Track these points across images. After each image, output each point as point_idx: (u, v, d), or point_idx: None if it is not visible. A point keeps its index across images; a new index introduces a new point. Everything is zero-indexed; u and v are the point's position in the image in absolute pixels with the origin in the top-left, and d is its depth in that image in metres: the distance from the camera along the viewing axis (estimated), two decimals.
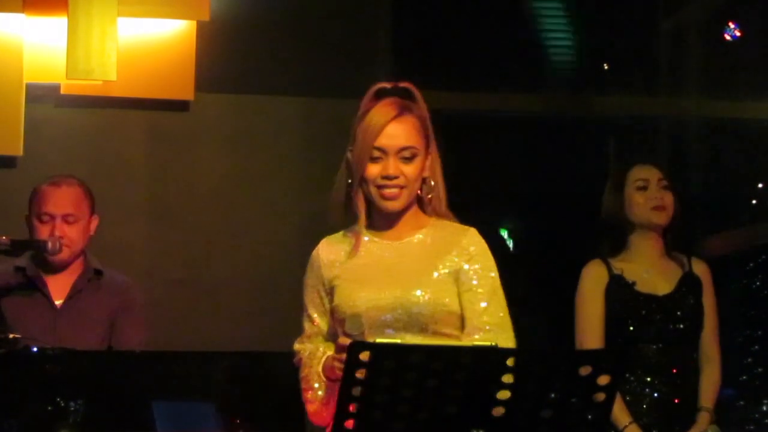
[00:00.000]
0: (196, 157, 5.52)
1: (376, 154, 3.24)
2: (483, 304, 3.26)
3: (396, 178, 3.25)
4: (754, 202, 6.44)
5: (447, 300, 3.24)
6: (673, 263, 4.60)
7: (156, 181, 5.49)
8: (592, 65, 6.42)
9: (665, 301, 4.51)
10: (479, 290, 3.27)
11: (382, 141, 3.25)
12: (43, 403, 3.81)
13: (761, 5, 6.17)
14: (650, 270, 4.56)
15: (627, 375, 4.37)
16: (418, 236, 3.31)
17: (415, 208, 3.33)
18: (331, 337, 3.31)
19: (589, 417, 2.77)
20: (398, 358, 2.67)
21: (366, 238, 3.32)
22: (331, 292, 3.30)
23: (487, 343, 2.94)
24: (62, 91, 5.36)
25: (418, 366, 2.67)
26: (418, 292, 3.22)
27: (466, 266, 3.27)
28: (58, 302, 4.54)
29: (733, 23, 5.98)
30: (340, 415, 2.70)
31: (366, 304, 3.21)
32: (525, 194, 6.59)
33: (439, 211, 3.35)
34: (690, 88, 6.51)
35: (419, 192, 3.32)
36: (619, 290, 4.52)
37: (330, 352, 3.24)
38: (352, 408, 2.70)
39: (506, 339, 3.24)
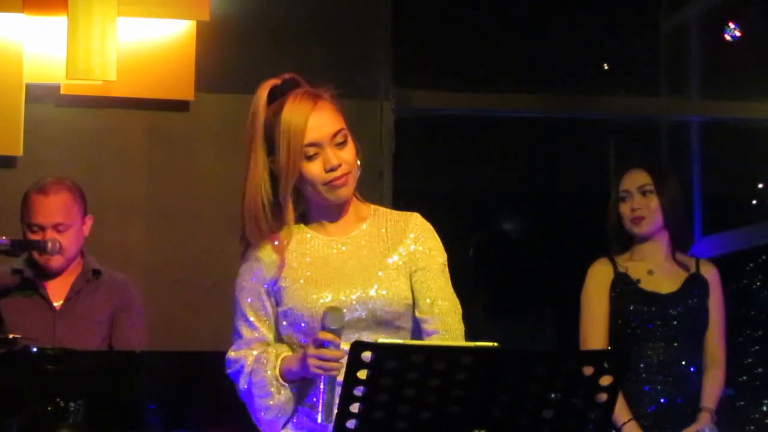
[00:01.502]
0: (196, 157, 5.52)
1: (311, 151, 3.08)
2: (434, 288, 3.15)
3: (339, 166, 3.08)
4: (754, 202, 6.44)
5: (406, 294, 3.13)
6: (680, 264, 4.60)
7: (156, 181, 5.49)
8: (592, 65, 6.42)
9: (668, 300, 4.51)
10: (429, 273, 3.15)
11: (312, 136, 3.08)
12: (43, 403, 3.81)
13: (761, 5, 6.17)
14: (656, 269, 4.57)
15: (629, 374, 4.38)
16: (363, 227, 3.18)
17: (353, 198, 3.19)
18: (279, 342, 3.14)
19: (591, 417, 2.77)
20: (400, 358, 2.67)
21: (308, 235, 3.16)
22: (276, 294, 3.13)
23: (490, 344, 2.94)
24: (62, 91, 5.35)
25: (419, 366, 2.67)
26: (376, 289, 3.10)
27: (412, 248, 3.16)
28: (56, 303, 4.53)
29: (733, 23, 5.98)
30: (342, 415, 2.70)
31: (324, 305, 3.04)
32: (525, 194, 6.59)
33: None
34: (690, 88, 6.51)
35: None
36: (623, 288, 4.53)
37: (285, 354, 3.07)
38: (353, 408, 2.70)
39: (458, 322, 3.15)
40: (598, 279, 4.56)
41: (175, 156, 5.51)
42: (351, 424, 2.71)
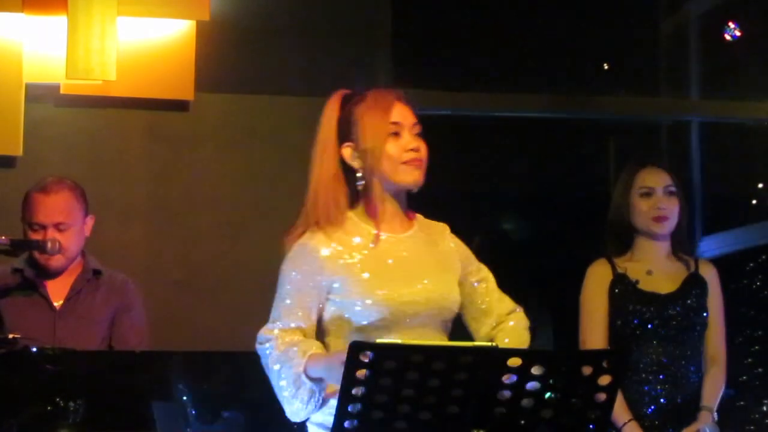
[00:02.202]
0: (196, 157, 5.52)
1: (394, 129, 3.22)
2: (495, 293, 3.38)
3: (418, 150, 3.23)
4: (754, 202, 6.44)
5: (458, 296, 3.27)
6: (679, 264, 4.60)
7: (156, 181, 5.49)
8: (592, 65, 6.41)
9: (667, 300, 4.51)
10: (486, 281, 3.37)
11: (396, 116, 3.24)
12: (43, 403, 3.81)
13: (761, 5, 6.17)
14: (654, 270, 4.57)
15: (629, 374, 4.38)
16: (415, 228, 3.30)
17: (404, 200, 3.31)
18: (318, 334, 3.18)
19: (591, 417, 2.77)
20: (399, 359, 2.67)
21: (372, 230, 3.23)
22: (330, 285, 3.17)
23: (488, 343, 2.94)
24: (62, 91, 5.35)
25: (419, 366, 2.67)
26: (440, 289, 3.22)
27: (459, 263, 3.32)
28: (57, 303, 4.53)
29: (733, 23, 5.97)
30: (341, 415, 2.70)
31: (401, 298, 3.13)
32: (525, 194, 6.59)
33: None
34: (690, 88, 6.51)
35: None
36: (622, 288, 4.53)
37: (314, 351, 3.08)
38: (352, 408, 2.70)
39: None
40: (597, 280, 4.56)
41: (175, 156, 5.51)
42: (350, 424, 2.71)
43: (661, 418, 4.44)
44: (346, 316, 3.14)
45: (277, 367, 3.12)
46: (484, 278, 3.37)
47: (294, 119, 5.59)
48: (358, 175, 3.23)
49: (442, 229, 3.38)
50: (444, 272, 3.26)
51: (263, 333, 3.21)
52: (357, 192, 3.25)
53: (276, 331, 3.16)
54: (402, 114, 3.25)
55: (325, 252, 3.17)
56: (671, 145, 6.57)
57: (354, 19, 5.67)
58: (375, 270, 3.17)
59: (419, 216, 3.36)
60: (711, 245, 6.21)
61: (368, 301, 3.12)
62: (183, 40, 5.41)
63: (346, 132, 3.27)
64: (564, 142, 6.45)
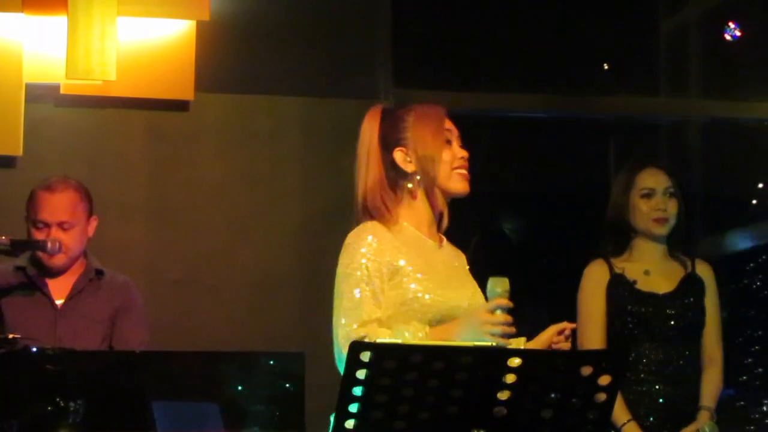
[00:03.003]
0: (196, 157, 5.52)
1: (447, 136, 3.41)
2: None
3: (467, 160, 3.45)
4: (754, 202, 6.44)
5: None
6: (676, 264, 4.60)
7: (156, 181, 5.48)
8: (592, 65, 6.41)
9: (665, 300, 4.52)
10: None
11: (448, 125, 3.43)
12: (43, 403, 3.81)
13: (761, 5, 6.17)
14: (652, 270, 4.57)
15: (627, 374, 4.38)
16: (445, 243, 3.50)
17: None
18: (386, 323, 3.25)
19: (590, 417, 2.77)
20: (399, 358, 2.67)
21: (421, 236, 3.42)
22: (393, 276, 3.28)
23: (488, 343, 2.94)
24: (62, 91, 5.35)
25: (419, 366, 2.67)
26: (477, 298, 3.37)
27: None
28: (58, 302, 4.54)
29: (733, 23, 5.97)
30: (341, 415, 2.70)
31: (463, 301, 3.32)
32: (525, 194, 6.59)
33: None
34: (690, 88, 6.51)
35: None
36: (619, 288, 4.53)
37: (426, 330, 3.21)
38: (352, 408, 2.70)
39: None
40: (594, 280, 4.57)
41: (175, 156, 5.51)
42: (350, 424, 2.71)
43: (659, 417, 4.44)
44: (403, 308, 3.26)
45: None
46: None
47: (294, 119, 5.59)
48: (417, 177, 3.38)
49: (461, 255, 3.56)
50: (471, 282, 3.46)
51: (360, 333, 3.18)
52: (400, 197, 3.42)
53: (370, 329, 3.19)
54: (450, 125, 3.44)
55: (387, 245, 3.30)
56: (671, 145, 6.57)
57: (354, 19, 5.67)
58: (425, 269, 3.31)
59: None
60: (711, 245, 6.21)
61: (426, 299, 3.25)
62: (183, 40, 5.41)
63: (395, 139, 3.41)
64: (564, 142, 6.45)
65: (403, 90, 5.71)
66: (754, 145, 6.35)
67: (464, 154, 3.43)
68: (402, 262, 3.29)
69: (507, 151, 6.46)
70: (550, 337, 3.22)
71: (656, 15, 6.53)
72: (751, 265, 6.31)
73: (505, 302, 3.14)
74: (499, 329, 3.10)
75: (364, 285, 3.24)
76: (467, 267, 3.54)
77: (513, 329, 3.12)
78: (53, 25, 5.26)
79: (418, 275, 3.28)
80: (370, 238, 3.30)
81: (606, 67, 6.47)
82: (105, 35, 5.18)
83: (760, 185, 6.41)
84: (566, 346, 3.19)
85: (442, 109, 3.47)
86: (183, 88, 5.42)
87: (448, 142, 3.41)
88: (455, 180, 3.42)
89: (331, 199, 5.21)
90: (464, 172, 3.43)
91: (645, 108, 6.35)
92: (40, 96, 5.35)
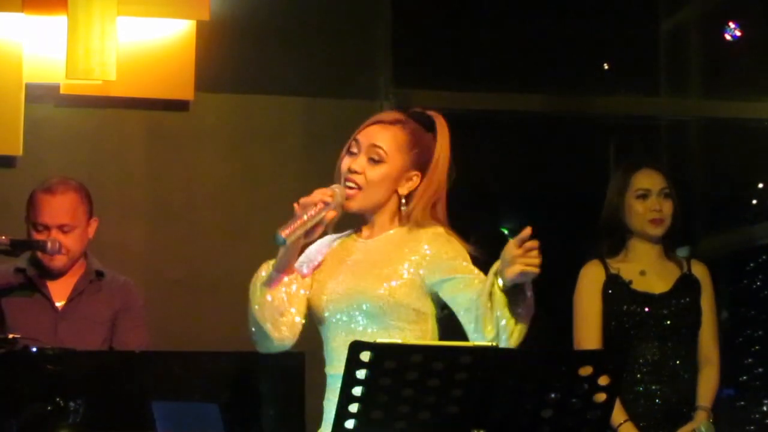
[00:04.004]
0: (196, 157, 5.52)
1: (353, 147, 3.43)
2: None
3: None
4: (754, 202, 6.44)
5: (402, 293, 3.26)
6: (672, 264, 4.61)
7: (156, 181, 5.49)
8: (592, 65, 6.41)
9: (661, 300, 4.52)
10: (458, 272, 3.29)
11: (367, 134, 3.43)
12: (43, 403, 3.81)
13: (761, 5, 6.16)
14: (647, 270, 4.57)
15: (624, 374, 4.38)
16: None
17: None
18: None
19: (590, 417, 2.77)
20: (399, 358, 2.67)
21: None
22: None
23: (488, 343, 2.94)
24: (62, 91, 5.35)
25: (418, 366, 2.67)
26: (371, 282, 3.27)
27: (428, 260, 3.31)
28: (59, 303, 4.54)
29: (733, 23, 5.97)
30: (341, 415, 2.70)
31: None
32: (525, 194, 6.59)
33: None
34: (690, 88, 6.51)
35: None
36: (615, 289, 4.53)
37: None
38: (352, 408, 2.70)
39: None
40: (590, 280, 4.57)
41: (175, 156, 5.51)
42: (350, 424, 2.71)
43: (656, 417, 4.45)
44: None
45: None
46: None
47: (294, 119, 5.59)
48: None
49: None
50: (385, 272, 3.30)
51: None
52: None
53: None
54: (367, 134, 3.42)
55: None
56: (671, 145, 6.57)
57: (354, 19, 5.67)
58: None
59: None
60: (711, 245, 6.21)
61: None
62: (183, 40, 5.41)
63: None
64: (564, 142, 6.45)
65: (403, 90, 5.72)
66: (754, 145, 6.35)
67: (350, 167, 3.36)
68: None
69: (507, 151, 6.46)
70: (513, 255, 3.01)
71: (656, 15, 6.53)
72: (751, 265, 6.31)
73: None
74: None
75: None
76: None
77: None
78: (53, 25, 5.26)
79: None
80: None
81: (606, 67, 6.47)
82: (105, 35, 5.18)
83: (760, 185, 6.41)
84: (536, 261, 3.01)
85: (378, 115, 3.45)
86: (183, 88, 5.42)
87: (350, 153, 3.39)
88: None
89: None
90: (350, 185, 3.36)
91: (645, 108, 6.35)
92: (40, 96, 5.35)
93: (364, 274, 3.28)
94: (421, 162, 3.37)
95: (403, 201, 3.36)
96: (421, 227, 3.33)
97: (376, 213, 3.37)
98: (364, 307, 3.23)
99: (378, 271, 3.26)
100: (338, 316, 3.27)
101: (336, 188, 3.33)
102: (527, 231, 3.02)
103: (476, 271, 3.26)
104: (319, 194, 3.30)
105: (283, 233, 3.24)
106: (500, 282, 3.05)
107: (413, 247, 3.29)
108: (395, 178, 3.34)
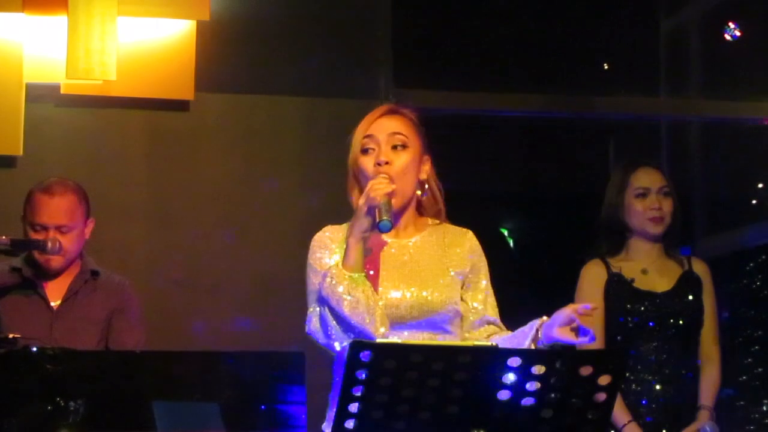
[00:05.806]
0: (196, 157, 5.52)
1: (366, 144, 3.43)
2: (479, 303, 3.41)
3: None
4: (754, 202, 6.44)
5: (456, 300, 3.33)
6: (672, 262, 4.61)
7: (156, 181, 5.48)
8: (592, 65, 6.41)
9: (664, 298, 4.52)
10: (479, 287, 3.42)
11: (374, 131, 3.43)
12: (43, 403, 3.81)
13: (761, 5, 6.17)
14: (649, 268, 4.57)
15: (626, 373, 4.38)
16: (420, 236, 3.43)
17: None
18: None
19: (590, 417, 2.77)
20: (399, 358, 2.67)
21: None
22: None
23: (488, 343, 2.94)
24: (62, 91, 5.35)
25: (418, 366, 2.67)
26: (431, 292, 3.29)
27: (469, 267, 3.40)
28: (54, 303, 4.53)
29: (733, 23, 5.97)
30: (341, 414, 2.70)
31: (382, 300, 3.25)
32: (525, 194, 6.59)
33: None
34: (690, 88, 6.51)
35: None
36: (617, 287, 4.53)
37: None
38: (352, 408, 2.70)
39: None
40: (592, 279, 4.57)
41: (175, 156, 5.51)
42: (350, 424, 2.71)
43: (659, 417, 4.44)
44: None
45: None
46: (474, 287, 3.45)
47: (294, 119, 5.59)
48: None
49: (462, 233, 3.50)
50: (438, 277, 3.35)
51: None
52: None
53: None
54: (375, 132, 3.43)
55: (337, 241, 3.41)
56: (671, 145, 6.57)
57: (354, 19, 5.67)
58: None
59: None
60: (711, 245, 6.21)
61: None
62: (183, 40, 5.41)
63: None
64: (564, 142, 6.45)
65: (403, 90, 5.72)
66: (754, 145, 6.35)
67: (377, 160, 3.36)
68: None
69: (507, 151, 6.46)
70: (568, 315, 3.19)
71: (656, 15, 6.53)
72: (751, 265, 6.31)
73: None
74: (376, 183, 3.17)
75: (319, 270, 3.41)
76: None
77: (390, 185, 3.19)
78: (53, 25, 5.26)
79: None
80: (323, 238, 3.46)
81: (606, 67, 6.47)
82: (105, 35, 5.18)
83: (760, 185, 6.41)
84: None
85: (376, 110, 3.45)
86: (183, 88, 5.42)
87: (367, 151, 3.37)
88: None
89: (331, 199, 5.21)
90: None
91: (645, 108, 6.35)
92: (40, 96, 5.35)
93: (425, 284, 3.30)
94: (425, 145, 3.44)
95: (423, 188, 3.43)
96: (454, 229, 3.46)
97: (407, 209, 3.40)
98: (434, 319, 3.28)
99: (435, 281, 3.32)
100: (397, 329, 3.25)
101: (381, 176, 3.29)
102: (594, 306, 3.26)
103: (480, 297, 3.42)
104: (379, 181, 3.25)
105: (387, 218, 3.19)
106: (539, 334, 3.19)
107: (458, 252, 3.41)
108: (418, 162, 3.39)
